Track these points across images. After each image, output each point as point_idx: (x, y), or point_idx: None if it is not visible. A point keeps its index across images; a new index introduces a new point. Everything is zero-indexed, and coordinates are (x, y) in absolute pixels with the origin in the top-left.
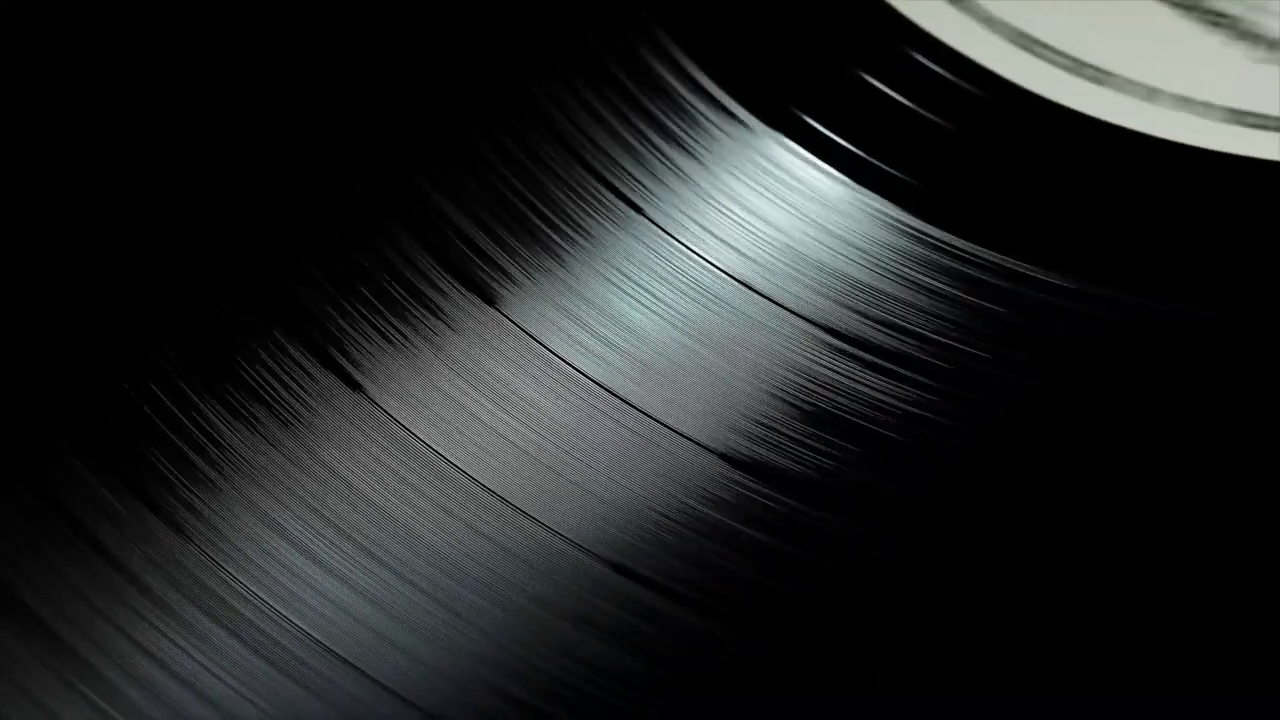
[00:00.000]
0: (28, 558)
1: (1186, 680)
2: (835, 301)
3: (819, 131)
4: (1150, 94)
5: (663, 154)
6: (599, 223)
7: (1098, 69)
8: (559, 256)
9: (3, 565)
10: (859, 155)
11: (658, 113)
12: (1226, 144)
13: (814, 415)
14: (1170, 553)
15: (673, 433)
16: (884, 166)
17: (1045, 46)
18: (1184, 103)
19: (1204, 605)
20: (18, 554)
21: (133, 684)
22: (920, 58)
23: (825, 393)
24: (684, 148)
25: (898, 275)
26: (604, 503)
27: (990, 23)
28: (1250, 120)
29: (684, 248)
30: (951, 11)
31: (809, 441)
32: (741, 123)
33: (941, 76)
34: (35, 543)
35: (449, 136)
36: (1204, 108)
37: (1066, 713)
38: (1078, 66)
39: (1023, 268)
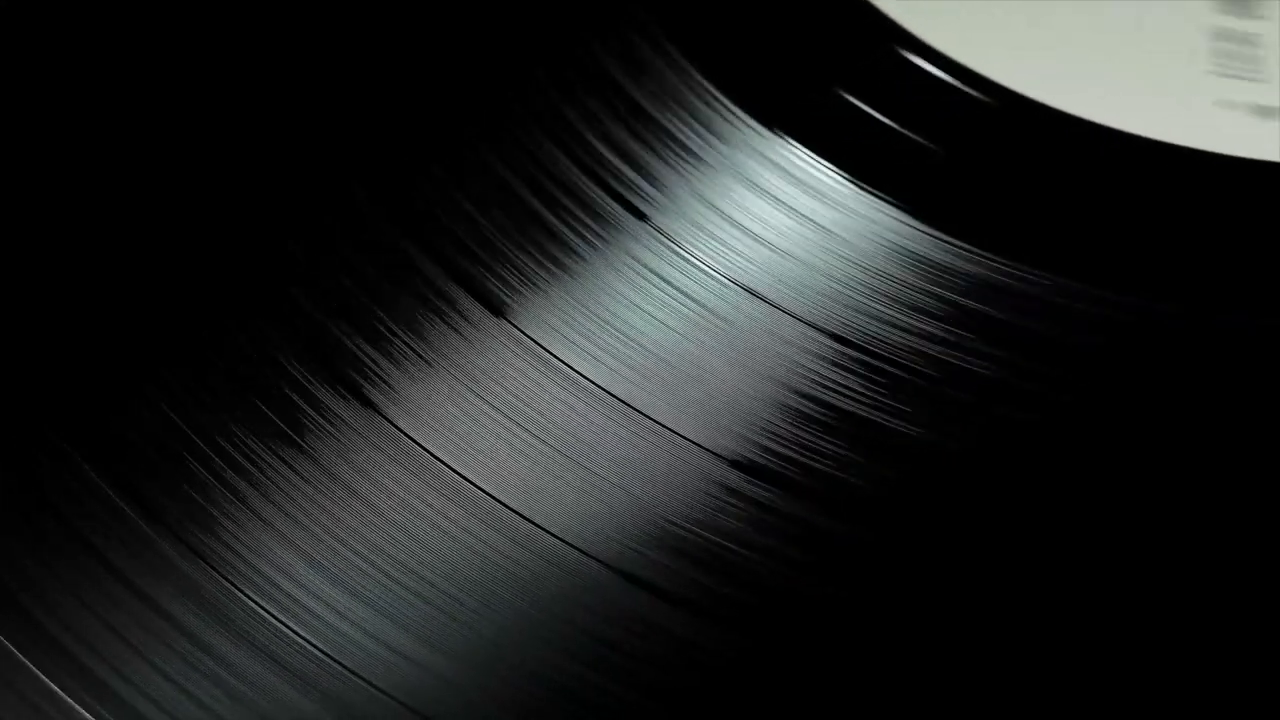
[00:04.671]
0: (41, 578)
1: (1186, 681)
2: (839, 306)
3: (822, 137)
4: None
5: (667, 161)
6: (604, 230)
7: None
8: (564, 264)
9: (15, 583)
10: (861, 160)
11: (661, 119)
12: (1228, 142)
13: (818, 419)
14: (1171, 553)
15: (680, 438)
16: (886, 171)
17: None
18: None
19: (1205, 605)
20: (32, 574)
21: (139, 695)
22: (920, 63)
23: (829, 397)
24: (688, 154)
25: (902, 279)
26: (612, 510)
27: (993, 27)
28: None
29: (689, 254)
30: (953, 17)
31: (815, 446)
32: (745, 128)
33: (939, 80)
34: (51, 564)
35: (452, 145)
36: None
37: (1068, 713)
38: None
39: (1024, 270)
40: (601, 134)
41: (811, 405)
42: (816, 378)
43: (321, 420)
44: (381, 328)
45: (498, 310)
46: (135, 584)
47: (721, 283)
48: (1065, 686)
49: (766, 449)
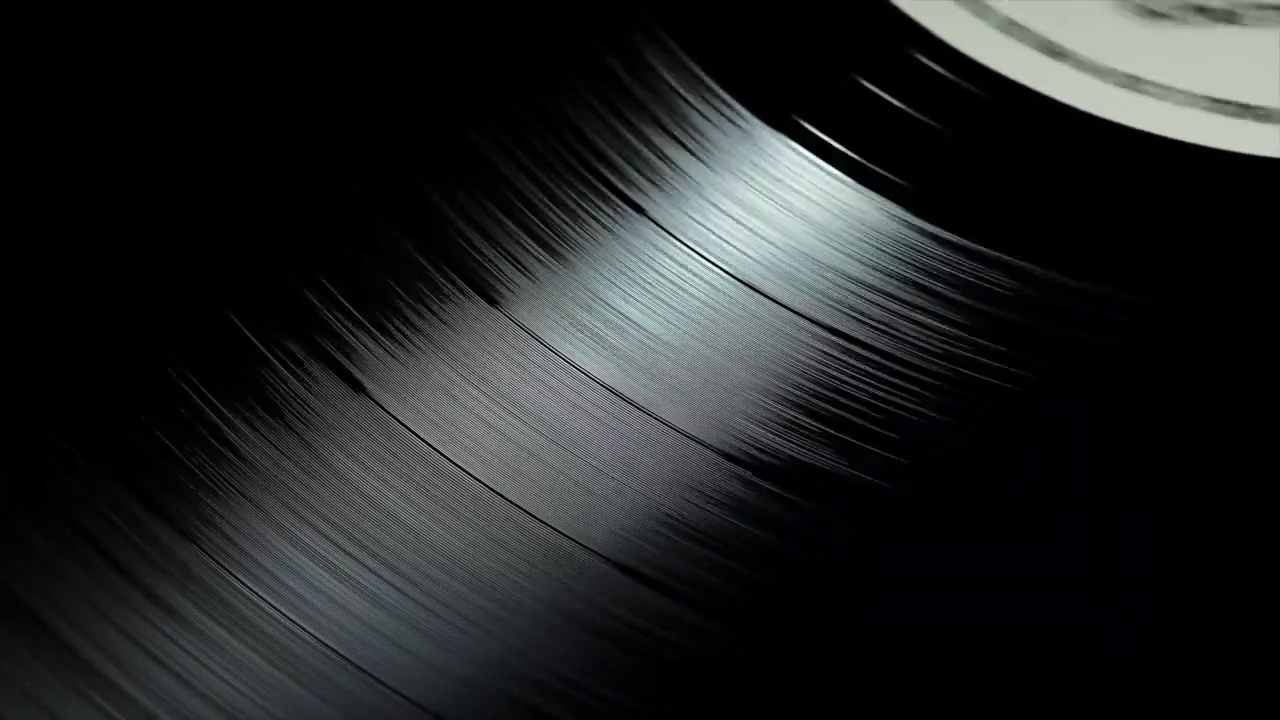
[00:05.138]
0: (34, 566)
1: (1190, 682)
2: (838, 301)
3: (821, 131)
4: (1138, 84)
5: (665, 154)
6: (601, 223)
7: (1094, 64)
8: (561, 257)
9: (12, 574)
10: (861, 154)
11: (660, 112)
12: (1226, 140)
13: (816, 414)
14: (1167, 552)
15: (676, 432)
16: (886, 166)
17: (1049, 43)
18: (1183, 95)
19: (1204, 604)
20: (26, 563)
21: (141, 689)
22: (920, 57)
23: (828, 392)
24: (686, 147)
25: (900, 274)
26: (608, 503)
27: (991, 19)
28: (1259, 114)
29: (686, 247)
30: (953, 9)
31: (811, 441)
32: (743, 122)
33: (942, 76)
34: (42, 551)
35: (451, 137)
36: (1205, 100)
37: (1065, 713)
38: (1096, 70)
39: (1025, 266)
40: (599, 128)
41: (809, 399)
42: (814, 372)
43: (317, 410)
44: (383, 322)
45: (496, 303)
46: (133, 573)
47: (720, 276)
48: (1066, 687)
49: (764, 443)
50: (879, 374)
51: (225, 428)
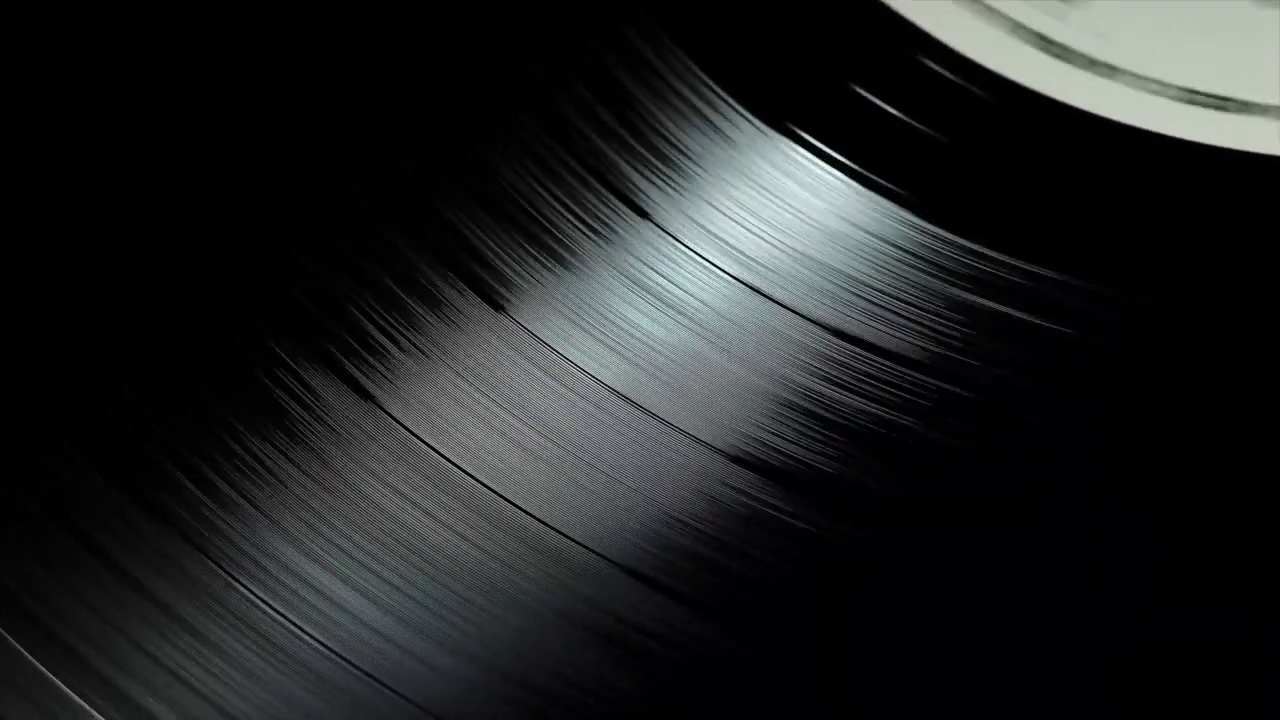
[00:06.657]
0: (43, 574)
1: (1182, 681)
2: (840, 303)
3: (823, 134)
4: (1156, 86)
5: (668, 158)
6: (605, 227)
7: (1099, 62)
8: (565, 261)
9: (16, 580)
10: (863, 157)
11: (663, 116)
12: (1228, 138)
13: (819, 415)
14: (1166, 553)
15: (680, 434)
16: (888, 169)
17: (1050, 42)
18: (1187, 93)
19: (1204, 603)
20: (33, 570)
21: (151, 697)
22: (920, 58)
23: (831, 394)
24: (689, 152)
25: (902, 276)
26: (614, 507)
27: (992, 18)
28: (1255, 109)
29: (690, 251)
30: (952, 9)
31: (814, 441)
32: (746, 126)
33: (942, 77)
34: (51, 561)
35: (454, 143)
36: (1206, 97)
37: (1065, 714)
38: (1088, 64)
39: (1026, 267)
40: (602, 131)
41: (813, 401)
42: (818, 373)
43: (322, 416)
44: (388, 329)
45: (500, 307)
46: (138, 580)
47: (722, 279)
48: (1067, 687)
49: (769, 445)
50: (881, 375)
51: (229, 437)
